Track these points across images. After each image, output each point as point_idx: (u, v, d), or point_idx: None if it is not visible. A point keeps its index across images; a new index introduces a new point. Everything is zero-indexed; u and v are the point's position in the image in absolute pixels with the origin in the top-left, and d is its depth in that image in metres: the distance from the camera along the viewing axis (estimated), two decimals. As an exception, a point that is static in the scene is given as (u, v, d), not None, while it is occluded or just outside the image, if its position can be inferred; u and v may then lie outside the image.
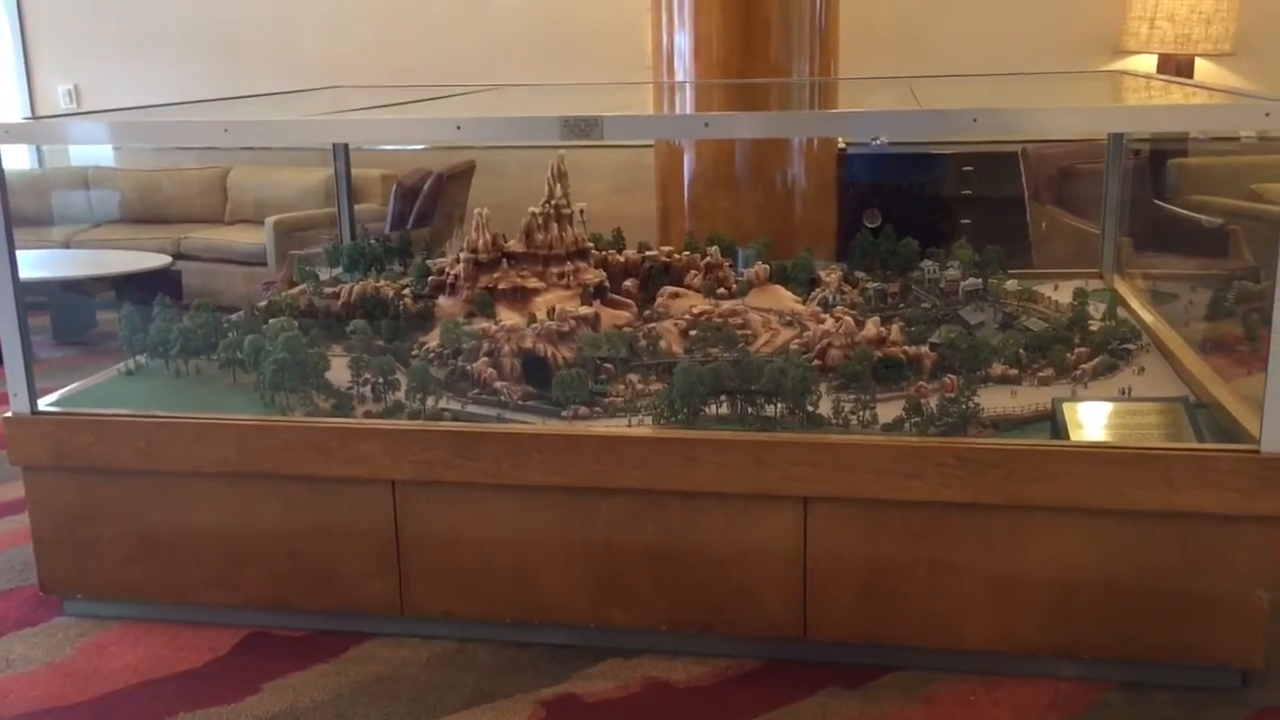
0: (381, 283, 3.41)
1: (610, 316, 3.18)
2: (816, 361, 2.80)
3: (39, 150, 7.14)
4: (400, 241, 3.96)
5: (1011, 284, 3.53)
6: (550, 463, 2.42)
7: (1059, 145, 5.19)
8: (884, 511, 2.35)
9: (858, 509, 2.36)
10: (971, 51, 5.87)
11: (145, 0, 6.80)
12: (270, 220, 5.64)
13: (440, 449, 2.45)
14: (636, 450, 2.39)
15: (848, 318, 2.91)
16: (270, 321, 2.93)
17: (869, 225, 6.23)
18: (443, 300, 3.25)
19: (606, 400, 2.69)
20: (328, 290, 3.43)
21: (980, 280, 3.48)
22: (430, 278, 3.37)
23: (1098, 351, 2.89)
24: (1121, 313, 3.26)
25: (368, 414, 2.65)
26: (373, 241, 3.92)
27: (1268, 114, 2.06)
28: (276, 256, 5.49)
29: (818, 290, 3.48)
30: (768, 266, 3.42)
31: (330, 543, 2.55)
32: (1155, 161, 5.38)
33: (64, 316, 5.38)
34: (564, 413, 2.61)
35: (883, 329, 2.86)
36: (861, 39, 5.49)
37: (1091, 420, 2.42)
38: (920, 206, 5.63)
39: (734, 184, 4.89)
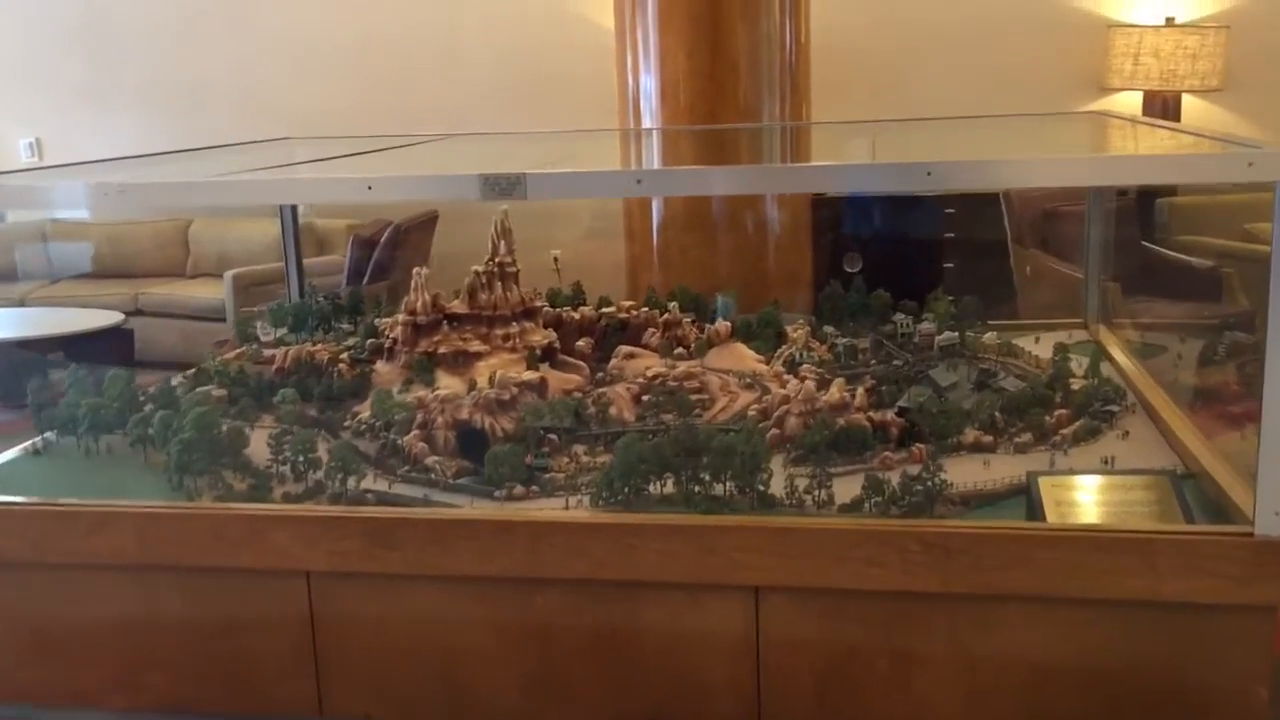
0: (320, 345, 3.21)
1: (559, 381, 2.97)
2: (774, 431, 2.59)
3: (-1, 203, 6.97)
4: (350, 298, 3.76)
5: (990, 337, 3.33)
6: (478, 551, 2.21)
7: (1042, 190, 5.01)
8: (843, 601, 2.14)
9: (814, 598, 2.15)
10: (951, 90, 5.71)
11: (107, 51, 6.66)
12: (229, 274, 5.47)
13: (357, 537, 2.24)
14: (572, 537, 2.18)
15: (809, 381, 2.70)
16: (190, 394, 2.73)
17: (849, 269, 6.10)
18: (380, 366, 3.06)
19: (548, 476, 2.48)
20: (267, 353, 3.23)
21: (956, 335, 3.29)
22: (370, 340, 3.17)
23: (1079, 414, 2.69)
24: (1106, 368, 3.05)
25: (286, 496, 2.44)
26: (321, 299, 3.73)
27: (1251, 164, 1.87)
28: (235, 312, 5.30)
29: (783, 348, 3.28)
30: (728, 324, 3.22)
31: (241, 640, 2.33)
32: (1143, 201, 5.21)
33: (11, 379, 5.18)
34: (497, 493, 2.40)
35: (847, 392, 2.65)
36: (837, 78, 5.33)
37: (1069, 497, 2.21)
38: (900, 251, 5.45)
39: (704, 230, 4.72)
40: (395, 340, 3.03)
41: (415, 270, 3.02)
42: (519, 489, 2.41)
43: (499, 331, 3.02)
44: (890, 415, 2.60)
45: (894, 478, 2.27)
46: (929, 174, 1.95)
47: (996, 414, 2.67)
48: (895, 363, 3.16)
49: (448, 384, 2.88)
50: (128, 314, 5.54)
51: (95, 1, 6.65)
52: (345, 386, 3.00)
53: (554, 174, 2.05)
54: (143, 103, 6.59)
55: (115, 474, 2.60)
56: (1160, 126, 3.43)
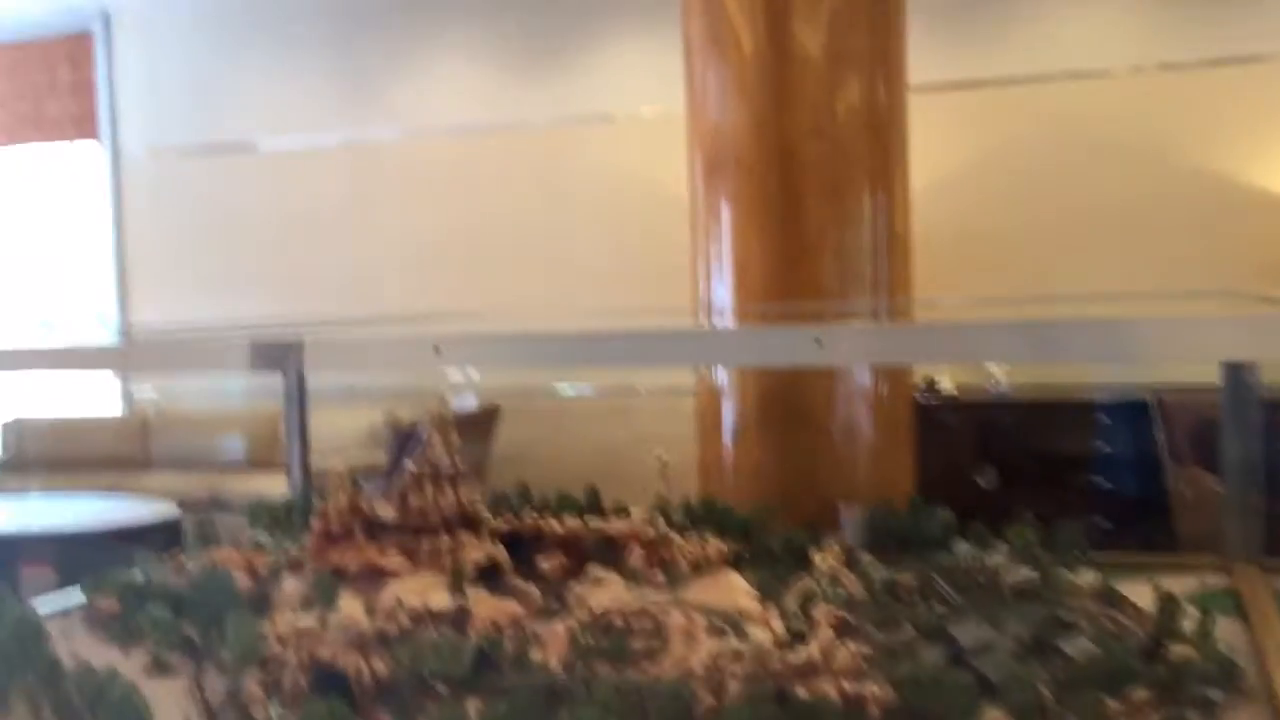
0: (241, 553, 2.72)
1: (491, 610, 2.36)
2: (709, 699, 1.89)
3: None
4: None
5: (1089, 577, 2.55)
6: None
7: (1201, 392, 4.15)
8: None
9: None
10: (1099, 266, 4.96)
11: (239, 245, 6.82)
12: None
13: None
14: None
15: (766, 631, 2.00)
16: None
17: (983, 485, 5.27)
18: (287, 582, 2.53)
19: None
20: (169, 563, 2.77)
21: (1035, 572, 2.52)
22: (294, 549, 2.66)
23: (1164, 698, 1.88)
24: (1233, 629, 2.22)
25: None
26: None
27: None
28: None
29: (803, 580, 2.58)
30: (721, 546, 2.56)
31: None
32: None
33: (68, 569, 4.96)
34: (310, 767, 1.79)
35: (817, 652, 1.93)
36: (959, 251, 4.70)
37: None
38: (1034, 464, 4.62)
39: (778, 433, 4.07)
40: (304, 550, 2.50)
41: (335, 467, 2.51)
42: (338, 764, 1.79)
43: (427, 545, 2.45)
44: (872, 688, 1.86)
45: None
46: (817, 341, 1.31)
47: (1041, 690, 1.89)
48: (935, 607, 2.41)
49: (350, 609, 2.32)
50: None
51: (233, 204, 6.89)
52: (250, 604, 2.47)
53: (332, 343, 1.52)
54: (262, 288, 6.66)
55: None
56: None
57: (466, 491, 2.51)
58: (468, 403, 5.89)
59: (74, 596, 2.84)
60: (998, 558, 2.59)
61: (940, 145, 5.41)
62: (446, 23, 6.76)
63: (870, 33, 4.07)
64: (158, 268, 7.06)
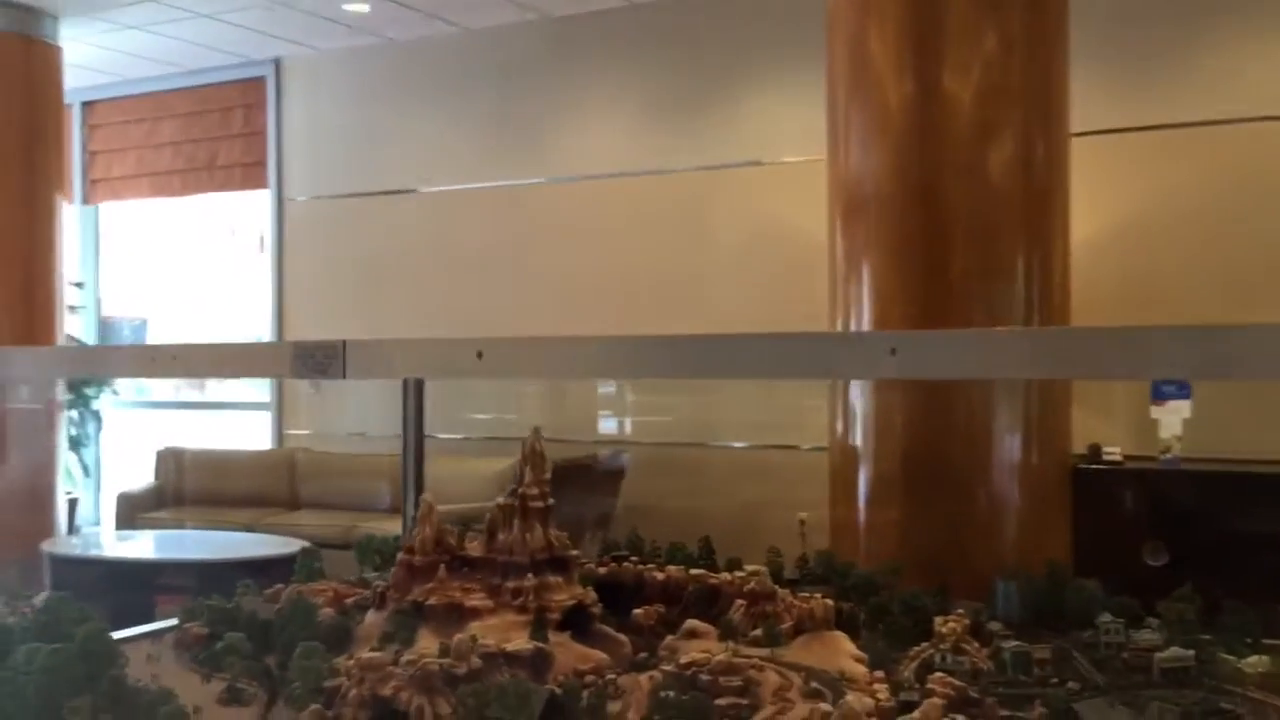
0: (331, 586, 2.64)
1: (573, 657, 2.20)
2: (789, 770, 1.68)
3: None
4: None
5: (1255, 662, 2.22)
6: None
7: None
8: None
9: None
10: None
11: (399, 282, 7.00)
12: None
13: None
14: None
15: (866, 698, 1.78)
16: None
17: (1150, 562, 4.83)
18: (371, 615, 2.42)
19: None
20: (268, 592, 2.71)
21: (1190, 652, 2.20)
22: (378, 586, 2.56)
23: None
24: None
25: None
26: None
27: None
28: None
29: (921, 646, 2.33)
30: (828, 604, 2.33)
31: None
32: None
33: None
34: (349, 818, 1.66)
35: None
36: (1124, 309, 4.36)
37: None
38: (1211, 542, 4.19)
39: (919, 495, 3.80)
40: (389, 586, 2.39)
41: (423, 497, 2.41)
42: (384, 816, 1.64)
43: (512, 584, 2.31)
44: (978, 771, 1.61)
45: None
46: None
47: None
48: (1072, 686, 2.13)
49: (427, 646, 2.19)
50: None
51: (389, 245, 7.09)
52: (328, 636, 2.37)
53: (373, 343, 1.41)
54: (412, 326, 6.86)
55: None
56: None
57: (556, 531, 2.36)
58: (616, 460, 5.81)
59: (171, 622, 2.81)
60: (1148, 635, 2.28)
61: (1108, 192, 5.07)
62: (599, 73, 6.81)
63: (1026, 74, 3.84)
64: (315, 310, 7.29)
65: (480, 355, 1.37)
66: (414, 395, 3.12)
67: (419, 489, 3.39)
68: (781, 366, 1.26)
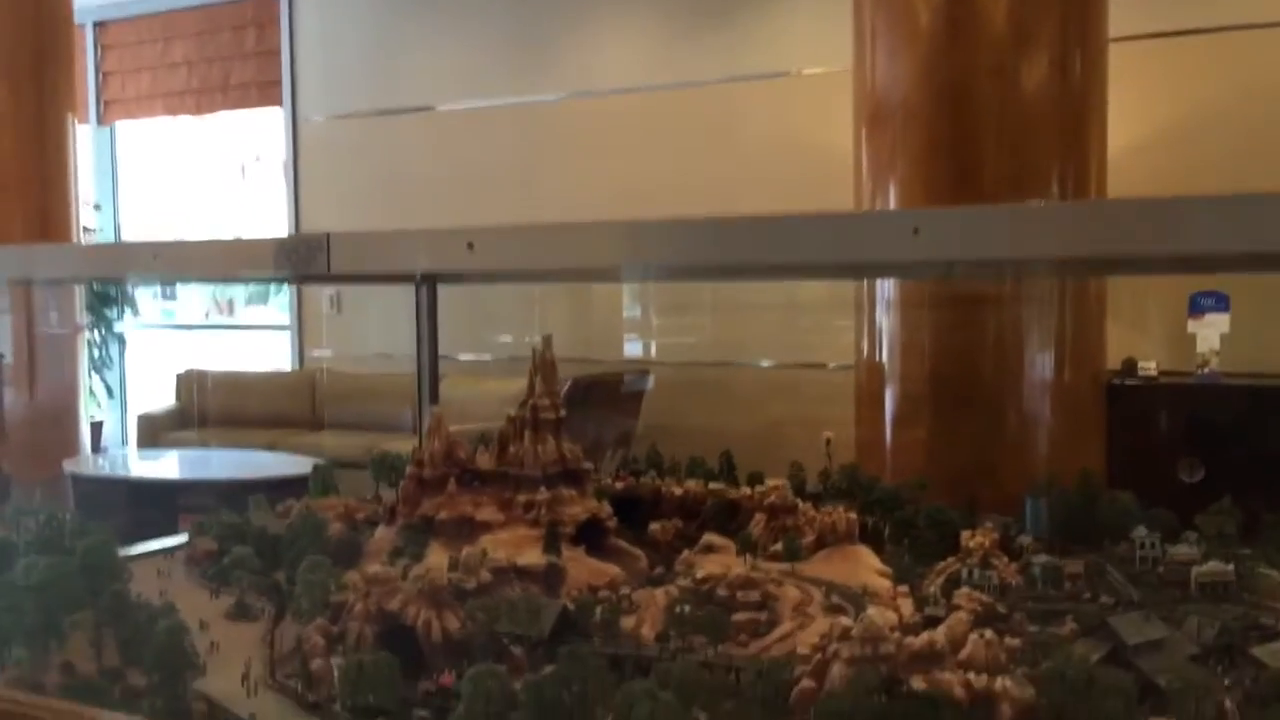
0: (339, 501, 2.59)
1: (586, 571, 2.14)
2: (808, 683, 1.61)
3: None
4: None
5: (1299, 577, 2.12)
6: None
7: None
8: None
9: None
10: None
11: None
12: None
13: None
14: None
15: (889, 612, 1.70)
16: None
17: (1185, 479, 4.72)
18: (380, 530, 2.37)
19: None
20: (279, 508, 2.66)
21: (1230, 565, 2.11)
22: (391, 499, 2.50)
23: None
24: None
25: (125, 691, 1.77)
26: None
27: None
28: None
29: (947, 561, 2.25)
30: (852, 518, 2.25)
31: None
32: None
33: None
34: (345, 732, 1.60)
35: (943, 639, 1.61)
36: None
37: None
38: (1249, 458, 4.08)
39: (946, 413, 3.71)
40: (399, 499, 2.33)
41: (433, 409, 2.34)
42: (386, 729, 1.59)
43: (523, 497, 2.24)
44: (1007, 684, 1.53)
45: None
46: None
47: (1227, 704, 1.53)
48: (1105, 600, 2.05)
49: (436, 560, 2.13)
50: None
51: (405, 162, 6.98)
52: (340, 550, 2.32)
53: (359, 235, 1.32)
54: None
55: None
56: None
57: (570, 444, 2.28)
58: (639, 378, 5.72)
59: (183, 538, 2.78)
60: (1185, 549, 2.19)
61: (1146, 98, 4.88)
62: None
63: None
64: (331, 227, 7.27)
65: (471, 246, 1.27)
66: (427, 298, 3.04)
67: (434, 397, 3.32)
68: (797, 248, 1.15)
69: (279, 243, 1.36)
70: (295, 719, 1.67)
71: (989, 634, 1.69)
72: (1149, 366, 4.64)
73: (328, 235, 1.31)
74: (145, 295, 8.40)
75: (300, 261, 1.34)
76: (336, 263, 1.30)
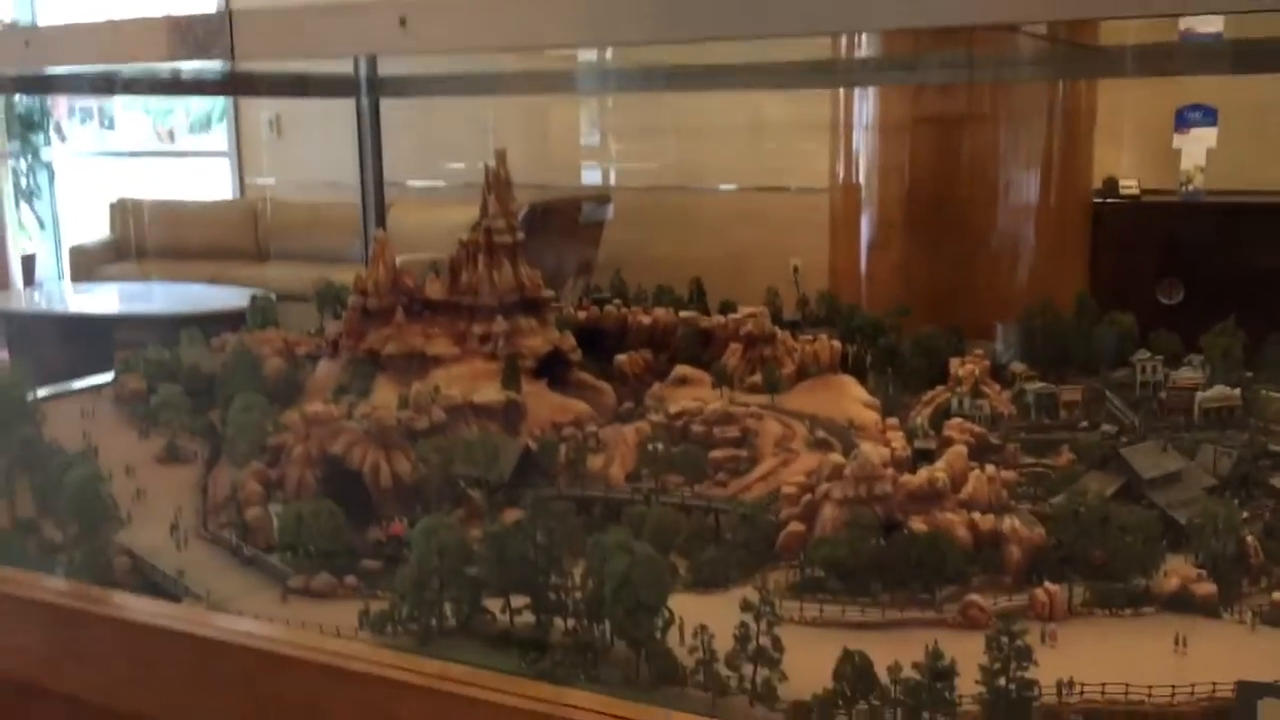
0: (275, 333, 2.39)
1: (549, 408, 1.97)
2: (796, 526, 1.46)
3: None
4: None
5: (1307, 402, 2.00)
6: (183, 682, 1.27)
7: None
8: None
9: None
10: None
11: None
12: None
13: (36, 630, 1.36)
14: (298, 684, 1.19)
15: (883, 448, 1.55)
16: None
17: (1164, 301, 4.61)
18: (323, 364, 2.17)
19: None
20: (214, 343, 2.45)
21: (1236, 390, 1.98)
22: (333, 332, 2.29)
23: None
24: None
25: (42, 545, 1.60)
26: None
27: None
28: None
29: (936, 391, 2.10)
30: (836, 346, 2.08)
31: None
32: None
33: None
34: (292, 581, 1.44)
35: (943, 475, 1.46)
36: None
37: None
38: (1231, 278, 3.94)
39: (924, 236, 3.52)
40: (341, 332, 2.13)
41: (376, 232, 2.12)
42: (325, 580, 1.43)
43: (479, 329, 2.04)
44: (1015, 524, 1.39)
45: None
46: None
47: (1249, 539, 1.40)
48: (1106, 429, 1.91)
49: (384, 398, 1.95)
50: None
51: None
52: (280, 388, 2.13)
53: (268, 15, 1.08)
54: None
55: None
56: None
57: (528, 269, 2.07)
58: (598, 204, 5.44)
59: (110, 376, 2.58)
60: (1189, 373, 2.05)
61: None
62: None
63: None
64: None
65: (404, 23, 1.04)
66: (370, 110, 2.79)
67: (381, 222, 3.07)
68: (748, 19, 0.94)
69: (171, 22, 1.12)
70: (229, 574, 1.50)
71: (990, 469, 1.54)
72: (1130, 185, 4.45)
73: (229, 12, 1.07)
74: (83, 125, 7.92)
75: (197, 45, 1.11)
76: (242, 46, 1.07)
